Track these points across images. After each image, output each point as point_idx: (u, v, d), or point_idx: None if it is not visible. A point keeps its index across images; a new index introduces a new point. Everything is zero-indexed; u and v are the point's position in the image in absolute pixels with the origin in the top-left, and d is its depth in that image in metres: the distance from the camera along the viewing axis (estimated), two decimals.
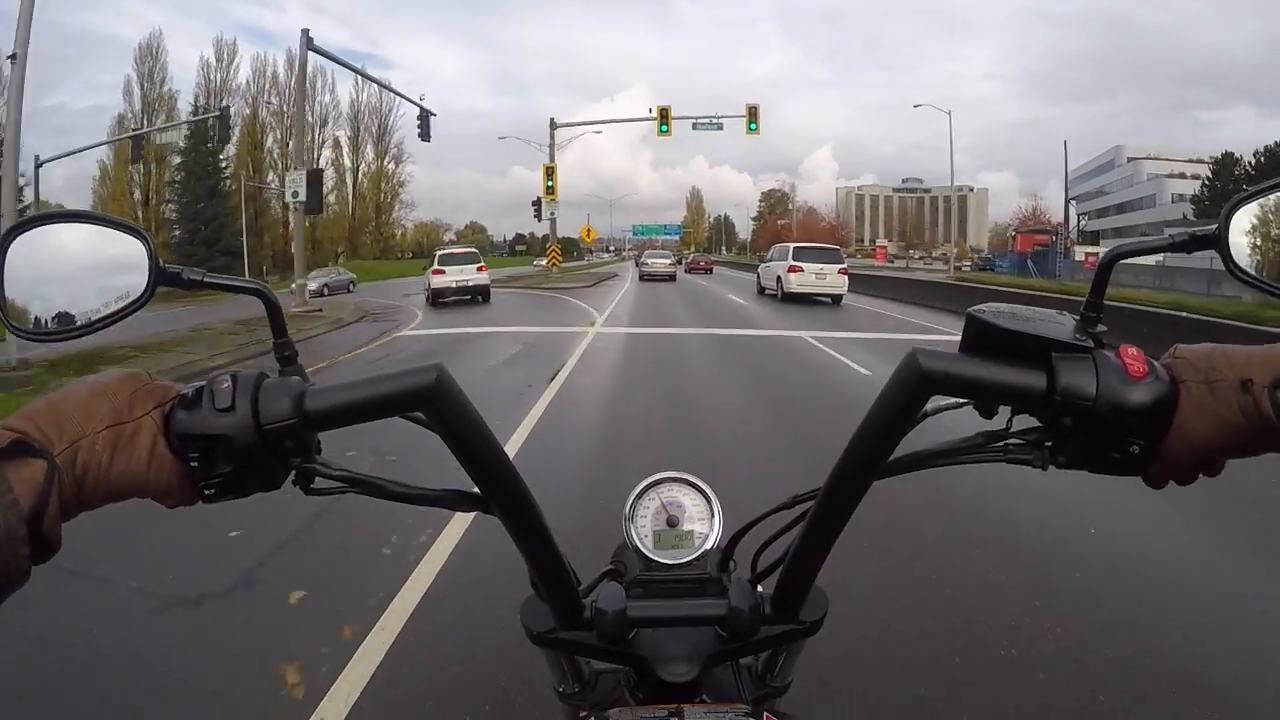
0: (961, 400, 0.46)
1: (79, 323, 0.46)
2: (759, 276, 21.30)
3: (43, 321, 0.46)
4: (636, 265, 36.40)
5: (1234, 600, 2.56)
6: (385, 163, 72.29)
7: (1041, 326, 0.42)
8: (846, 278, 17.37)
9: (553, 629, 0.55)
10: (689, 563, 0.58)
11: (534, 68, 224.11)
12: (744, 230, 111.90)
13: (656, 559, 0.58)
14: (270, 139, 60.28)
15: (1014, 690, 2.03)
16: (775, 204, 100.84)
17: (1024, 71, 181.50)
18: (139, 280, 0.45)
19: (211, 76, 55.51)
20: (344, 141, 68.98)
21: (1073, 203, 46.85)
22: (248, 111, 58.01)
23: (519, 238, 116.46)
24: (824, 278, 17.00)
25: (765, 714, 0.50)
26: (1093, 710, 1.94)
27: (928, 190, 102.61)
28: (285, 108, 58.94)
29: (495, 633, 2.23)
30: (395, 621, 2.41)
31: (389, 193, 73.06)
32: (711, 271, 42.48)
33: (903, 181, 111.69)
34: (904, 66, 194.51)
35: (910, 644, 2.28)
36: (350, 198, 70.34)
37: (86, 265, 0.47)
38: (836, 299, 17.19)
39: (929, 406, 0.45)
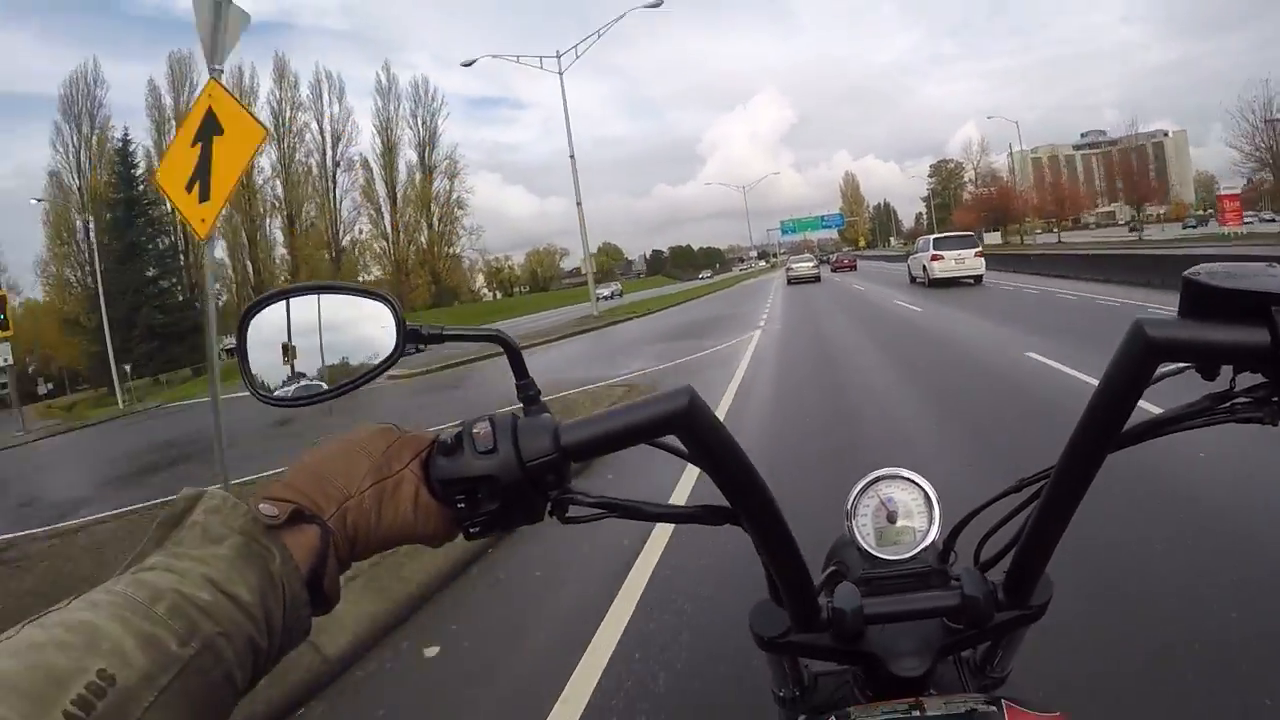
0: (1184, 364, 0.46)
1: (329, 389, 0.49)
2: (909, 267, 24.23)
3: (292, 389, 0.50)
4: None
5: None
6: (434, 177, 56.45)
7: (1259, 282, 0.42)
8: (983, 260, 19.99)
9: (785, 632, 0.57)
10: (912, 557, 0.60)
11: (663, 88, 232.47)
12: (907, 218, 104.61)
13: (882, 556, 0.61)
14: (265, 162, 49.54)
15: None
16: (948, 177, 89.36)
17: (1165, 10, 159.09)
18: (387, 341, 0.49)
19: (164, 103, 46.11)
20: (373, 161, 55.34)
21: None
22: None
23: (658, 255, 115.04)
24: (963, 262, 19.67)
25: (1005, 700, 0.51)
26: None
27: (1114, 142, 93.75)
28: (283, 123, 50.05)
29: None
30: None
31: (446, 218, 57.40)
32: (856, 268, 44.71)
33: (1081, 136, 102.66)
34: (1034, 27, 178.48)
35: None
36: (390, 230, 55.34)
37: (333, 331, 0.50)
38: (977, 279, 19.68)
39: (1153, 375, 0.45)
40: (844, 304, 18.85)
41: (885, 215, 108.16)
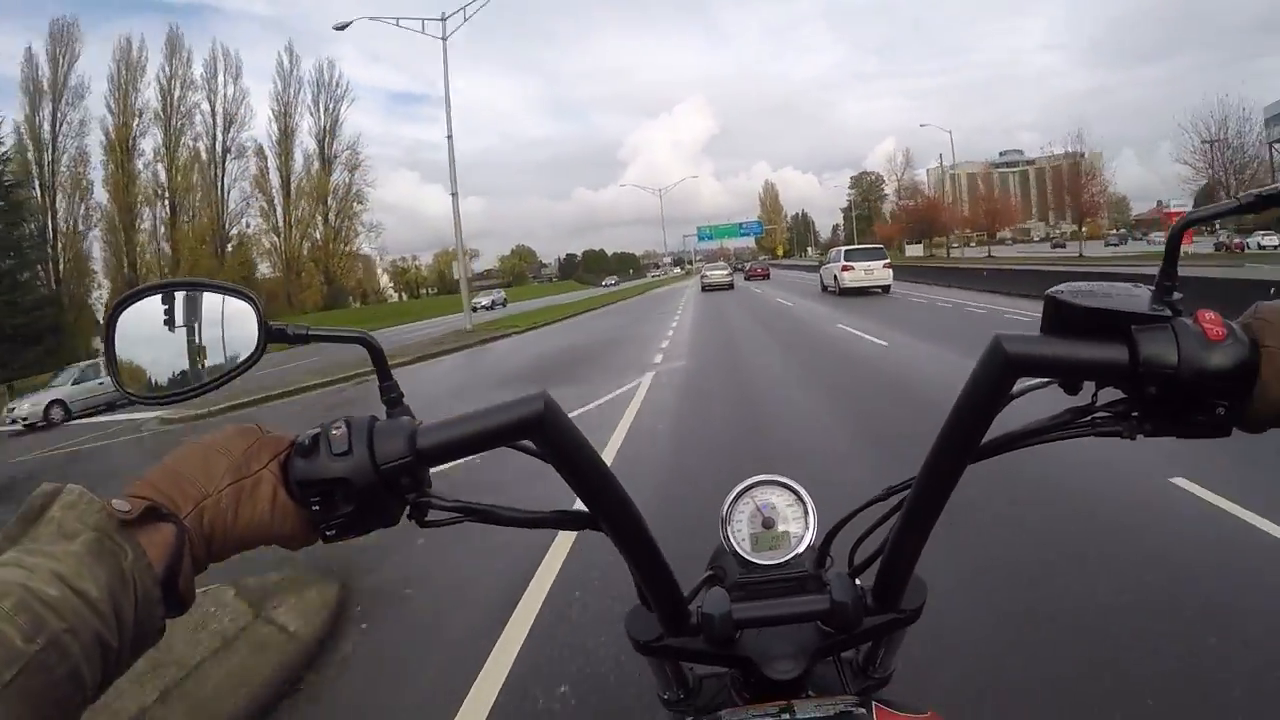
0: (1047, 380, 0.48)
1: (194, 385, 0.49)
2: (821, 277, 25.20)
3: (158, 386, 0.50)
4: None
5: None
6: (333, 168, 51.57)
7: (1119, 301, 0.44)
8: (890, 271, 20.99)
9: (659, 637, 0.58)
10: (787, 562, 0.61)
11: (588, 92, 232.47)
12: (825, 229, 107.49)
13: (755, 561, 0.61)
14: (148, 147, 45.41)
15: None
16: (869, 189, 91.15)
17: (1086, 38, 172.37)
18: (249, 340, 0.50)
19: (41, 75, 41.54)
20: (268, 148, 50.79)
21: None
22: (110, 115, 44.20)
23: (571, 259, 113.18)
24: (871, 273, 20.63)
25: (874, 702, 0.52)
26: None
27: (1030, 162, 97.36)
28: (172, 102, 45.58)
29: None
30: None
31: (344, 213, 52.12)
32: (768, 276, 46.37)
33: (1000, 155, 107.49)
34: (958, 48, 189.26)
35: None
36: (282, 225, 50.26)
37: (198, 328, 0.50)
38: (885, 289, 20.71)
39: (1015, 389, 0.46)
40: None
41: (803, 225, 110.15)
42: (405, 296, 71.29)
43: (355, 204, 52.51)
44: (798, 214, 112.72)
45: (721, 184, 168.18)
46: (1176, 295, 0.46)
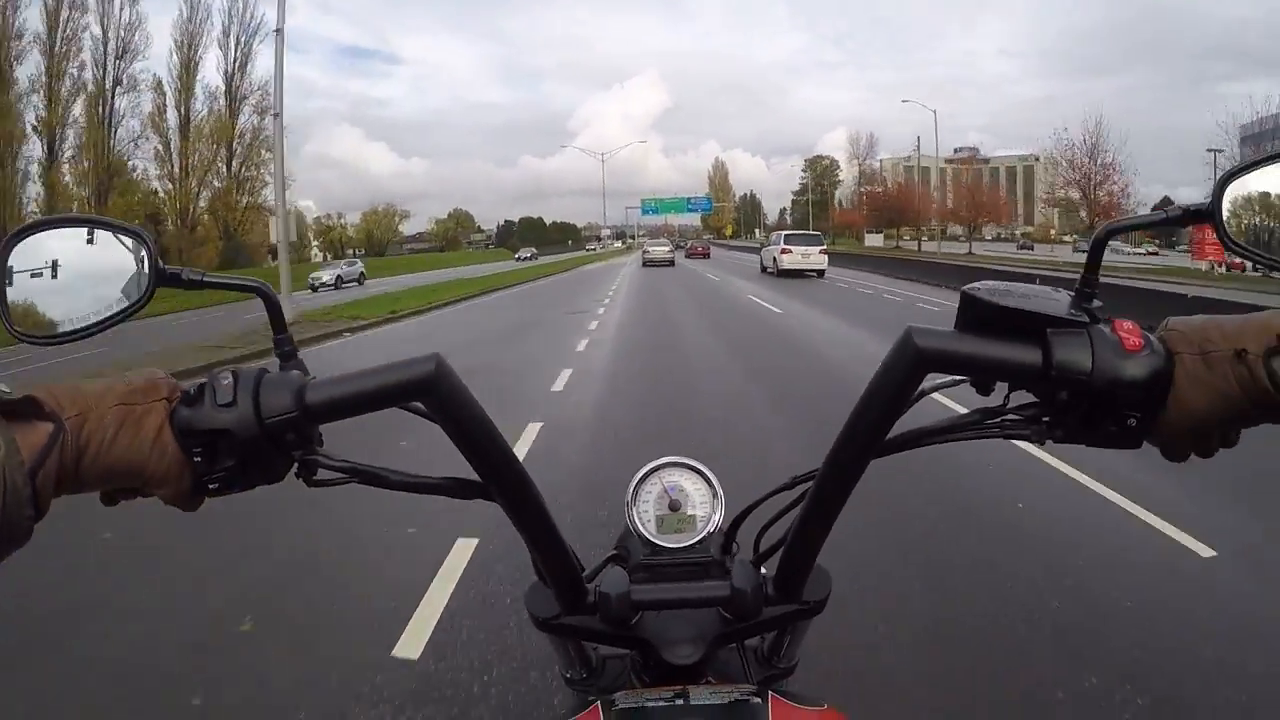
0: (958, 378, 0.48)
1: (80, 325, 0.48)
2: (761, 258, 26.73)
3: (46, 325, 0.48)
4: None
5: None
6: (239, 111, 44.70)
7: (1036, 303, 0.44)
8: (826, 257, 22.87)
9: (557, 614, 0.57)
10: (692, 546, 0.60)
11: (544, 59, 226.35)
12: (771, 213, 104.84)
13: (660, 543, 0.61)
14: (24, 72, 38.87)
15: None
16: (822, 174, 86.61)
17: (1039, 49, 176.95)
18: (140, 281, 0.48)
19: None
20: (167, 84, 43.43)
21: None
22: None
23: (509, 226, 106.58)
24: (808, 257, 22.26)
25: (771, 693, 0.51)
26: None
27: (985, 160, 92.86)
28: (58, 24, 38.65)
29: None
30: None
31: (250, 161, 45.07)
32: (709, 256, 45.78)
33: (955, 151, 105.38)
34: (916, 45, 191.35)
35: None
36: (179, 171, 43.68)
37: (88, 267, 0.48)
38: (820, 273, 22.38)
39: (926, 385, 0.46)
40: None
41: (751, 207, 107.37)
42: (329, 257, 65.59)
43: (264, 151, 43.21)
44: (746, 195, 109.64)
45: (670, 160, 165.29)
46: (1096, 303, 0.45)
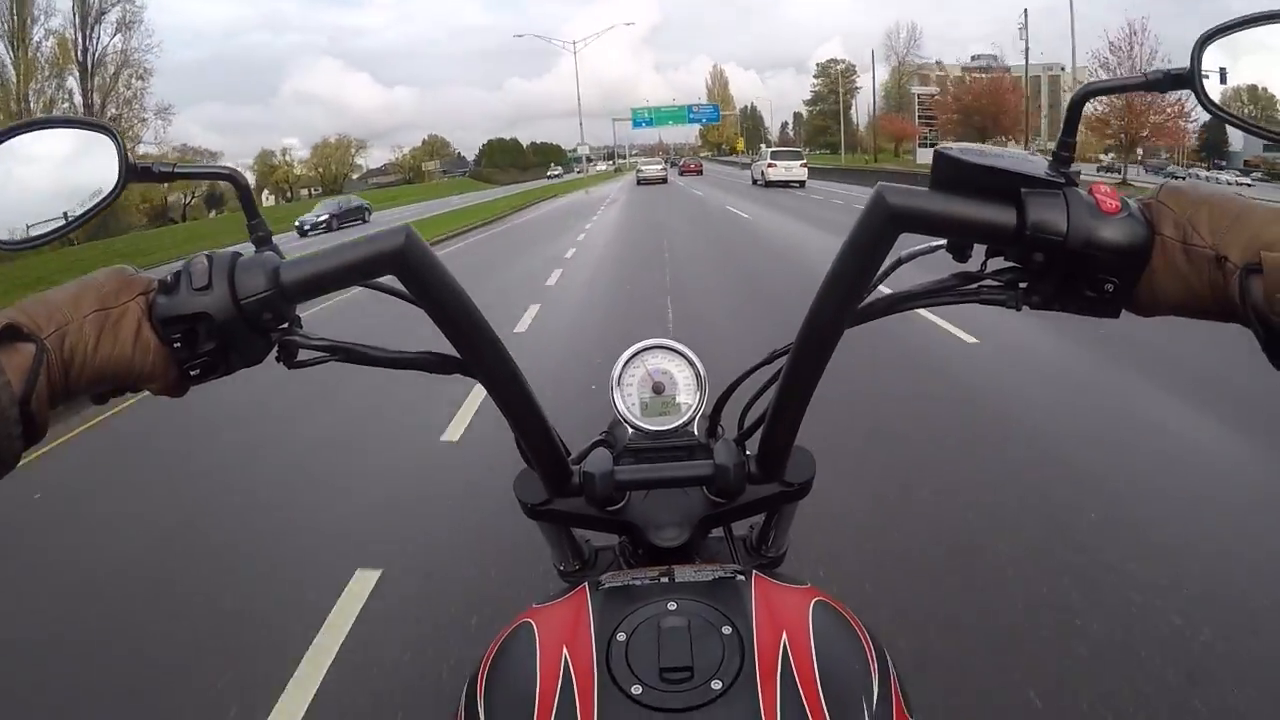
0: (934, 244, 0.48)
1: (54, 227, 0.48)
2: (751, 172, 31.74)
3: (20, 230, 0.48)
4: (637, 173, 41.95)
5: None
6: (95, 32, 31.23)
7: (1012, 163, 0.43)
8: (806, 169, 27.81)
9: (545, 500, 0.59)
10: (676, 429, 0.62)
11: None
12: (773, 128, 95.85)
13: (644, 426, 0.62)
14: None
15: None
16: (835, 80, 75.12)
17: None
18: (110, 178, 0.48)
19: None
20: None
21: None
22: None
23: (488, 147, 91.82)
24: (791, 170, 27.17)
25: (755, 573, 0.51)
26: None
27: (1007, 69, 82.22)
28: None
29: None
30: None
31: (112, 90, 32.49)
32: (701, 172, 48.22)
33: (972, 59, 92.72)
34: None
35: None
36: (14, 104, 29.27)
37: (59, 169, 0.49)
38: (801, 184, 27.03)
39: (903, 254, 0.47)
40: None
41: (753, 121, 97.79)
42: (279, 200, 58.30)
43: (135, 79, 34.31)
44: (746, 107, 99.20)
45: (662, 76, 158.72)
46: (1074, 168, 0.45)
